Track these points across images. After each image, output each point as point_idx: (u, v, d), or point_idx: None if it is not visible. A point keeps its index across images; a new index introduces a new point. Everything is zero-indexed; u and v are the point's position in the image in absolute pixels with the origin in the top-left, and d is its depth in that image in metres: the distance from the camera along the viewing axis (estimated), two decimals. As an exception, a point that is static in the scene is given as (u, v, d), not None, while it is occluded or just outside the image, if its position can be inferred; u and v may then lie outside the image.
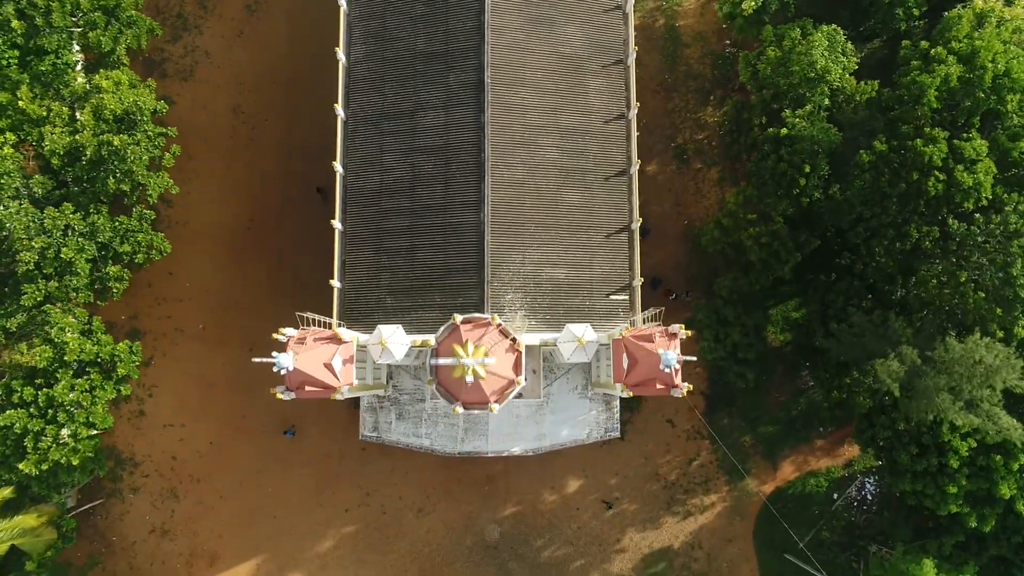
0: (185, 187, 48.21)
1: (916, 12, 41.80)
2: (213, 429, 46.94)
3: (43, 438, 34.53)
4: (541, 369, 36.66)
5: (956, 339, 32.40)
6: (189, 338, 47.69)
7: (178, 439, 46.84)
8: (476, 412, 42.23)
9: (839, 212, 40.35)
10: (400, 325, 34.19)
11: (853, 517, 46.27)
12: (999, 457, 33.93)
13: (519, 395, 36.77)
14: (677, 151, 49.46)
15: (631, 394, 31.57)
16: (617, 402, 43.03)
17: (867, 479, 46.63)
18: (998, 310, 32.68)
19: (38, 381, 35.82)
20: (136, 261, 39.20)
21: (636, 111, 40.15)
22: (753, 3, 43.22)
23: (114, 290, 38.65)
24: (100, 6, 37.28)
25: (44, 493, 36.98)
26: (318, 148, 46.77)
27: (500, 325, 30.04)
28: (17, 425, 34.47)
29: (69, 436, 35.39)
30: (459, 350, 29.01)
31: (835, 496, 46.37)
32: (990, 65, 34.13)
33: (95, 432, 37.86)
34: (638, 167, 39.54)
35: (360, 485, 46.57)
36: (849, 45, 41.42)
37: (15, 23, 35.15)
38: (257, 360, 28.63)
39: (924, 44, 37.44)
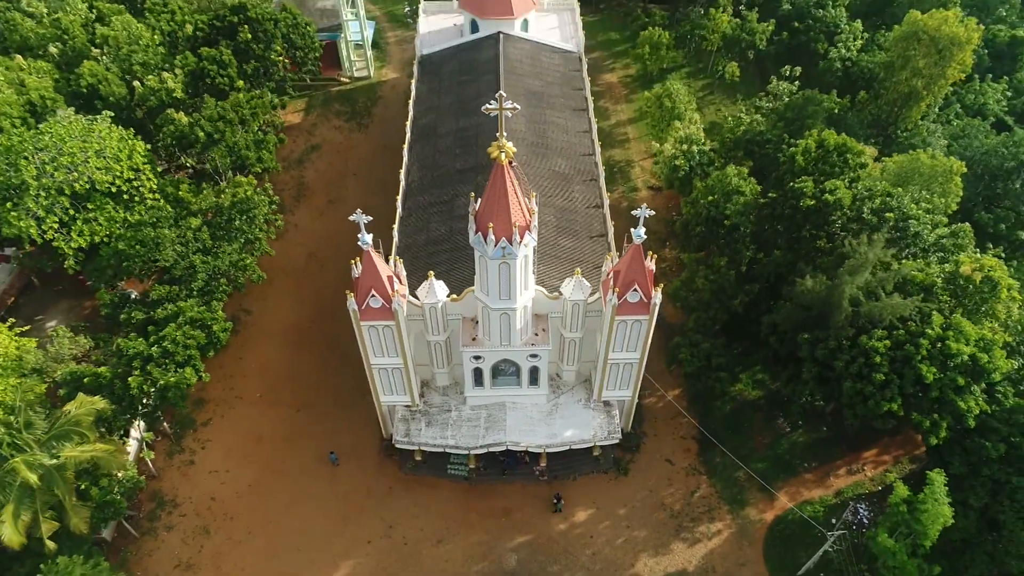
0: (264, 302, 61.83)
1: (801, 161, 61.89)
2: (254, 472, 51.57)
3: (150, 364, 42.49)
4: (550, 330, 45.76)
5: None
6: (246, 404, 55.57)
7: (220, 482, 51.13)
8: (495, 412, 49.18)
9: (765, 269, 54.36)
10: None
11: (856, 539, 48.07)
12: (910, 347, 41.66)
13: (534, 344, 45.30)
14: (646, 274, 64.24)
15: (619, 295, 41.27)
16: (616, 410, 49.87)
17: (859, 504, 49.68)
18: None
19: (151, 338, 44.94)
20: (239, 281, 51.37)
21: (608, 204, 56.92)
22: (684, 163, 63.91)
23: (220, 293, 49.67)
24: (252, 141, 57.35)
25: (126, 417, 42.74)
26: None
27: (530, 197, 41.01)
28: (132, 350, 42.64)
29: (172, 363, 43.28)
30: (496, 143, 38.47)
31: (833, 521, 48.87)
32: (833, 140, 52.58)
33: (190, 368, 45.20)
34: (613, 232, 54.61)
35: (384, 518, 49.25)
36: (752, 179, 60.34)
37: (202, 135, 54.60)
38: (353, 217, 39.84)
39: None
